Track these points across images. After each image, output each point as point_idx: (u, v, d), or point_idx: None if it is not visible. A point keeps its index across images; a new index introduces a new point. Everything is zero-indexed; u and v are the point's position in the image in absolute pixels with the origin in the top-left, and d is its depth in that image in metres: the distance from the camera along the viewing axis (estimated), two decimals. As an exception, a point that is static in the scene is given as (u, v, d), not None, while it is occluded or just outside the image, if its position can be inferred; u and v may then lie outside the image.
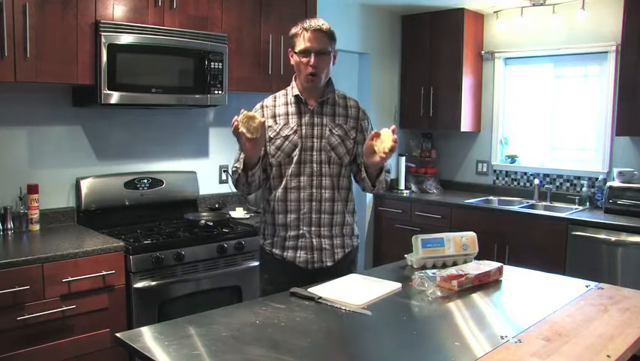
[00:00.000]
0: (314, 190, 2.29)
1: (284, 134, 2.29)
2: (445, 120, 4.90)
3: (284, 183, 2.30)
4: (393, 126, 2.13)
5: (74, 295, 2.54)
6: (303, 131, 2.29)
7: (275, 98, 2.39)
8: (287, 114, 2.32)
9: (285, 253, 2.33)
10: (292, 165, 2.29)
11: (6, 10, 2.51)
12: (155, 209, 3.39)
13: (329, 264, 2.33)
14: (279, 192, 2.31)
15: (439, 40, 4.88)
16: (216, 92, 3.22)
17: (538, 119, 4.77)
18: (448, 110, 4.86)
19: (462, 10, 4.69)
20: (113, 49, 2.81)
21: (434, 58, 4.93)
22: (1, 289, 2.33)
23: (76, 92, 3.07)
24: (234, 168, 2.31)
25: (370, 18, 4.83)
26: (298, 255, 2.31)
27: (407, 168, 5.09)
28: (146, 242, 2.83)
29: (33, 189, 2.92)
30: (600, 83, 4.37)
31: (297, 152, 2.28)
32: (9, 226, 2.86)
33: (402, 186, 5.04)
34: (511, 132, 4.95)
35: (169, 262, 2.83)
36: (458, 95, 4.79)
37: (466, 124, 4.86)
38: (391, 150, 2.09)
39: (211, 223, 3.18)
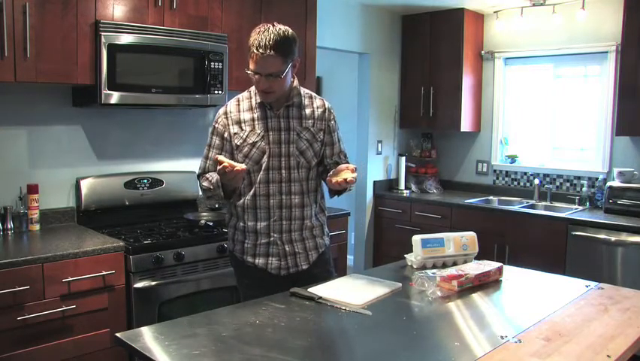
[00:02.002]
0: (283, 197, 2.23)
1: (251, 141, 2.21)
2: (445, 120, 4.90)
3: (253, 190, 2.23)
4: (354, 174, 2.10)
5: (74, 295, 2.54)
6: (271, 137, 2.21)
7: (238, 102, 2.29)
8: (252, 120, 2.23)
9: (256, 260, 2.27)
10: (261, 172, 2.22)
11: (6, 10, 2.50)
12: (155, 209, 3.39)
13: (304, 267, 2.30)
14: (248, 199, 2.24)
15: (439, 40, 4.88)
16: (216, 92, 3.22)
17: (538, 119, 4.78)
18: (448, 110, 4.86)
19: (462, 10, 4.69)
20: (113, 49, 2.81)
21: (434, 58, 4.93)
22: (1, 289, 2.33)
23: (76, 92, 3.07)
24: (206, 187, 2.25)
25: (370, 18, 4.83)
26: (270, 261, 2.26)
27: (407, 168, 5.10)
28: (146, 242, 2.83)
29: (33, 189, 2.92)
30: (600, 83, 4.37)
31: (265, 159, 2.21)
32: (9, 226, 2.86)
33: (402, 186, 5.04)
34: (511, 132, 4.95)
35: (169, 262, 2.83)
36: (458, 95, 4.79)
37: (466, 124, 4.86)
38: (344, 181, 2.07)
39: (211, 223, 3.18)
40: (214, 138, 2.29)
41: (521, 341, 1.65)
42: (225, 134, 2.26)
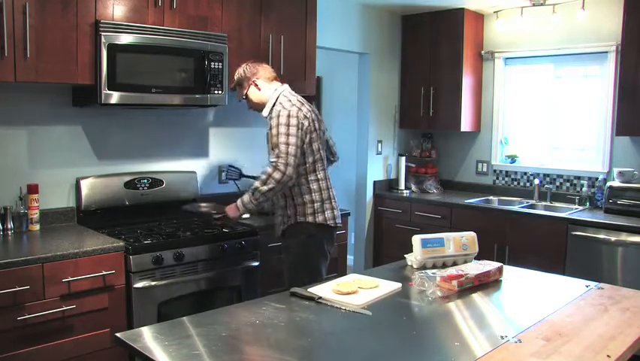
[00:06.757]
0: None
1: None
2: (445, 120, 4.90)
3: None
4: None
5: (74, 295, 2.54)
6: None
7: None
8: None
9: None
10: None
11: (6, 10, 2.51)
12: (155, 209, 3.39)
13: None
14: None
15: (439, 40, 4.88)
16: (216, 92, 3.22)
17: (538, 119, 4.77)
18: (448, 110, 4.86)
19: (462, 10, 4.69)
20: (113, 49, 2.81)
21: (434, 58, 4.93)
22: (1, 289, 2.33)
23: (76, 92, 3.07)
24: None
25: (370, 18, 4.83)
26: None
27: (407, 168, 5.09)
28: (146, 242, 2.83)
29: (33, 189, 2.92)
30: (600, 83, 4.37)
31: None
32: (9, 226, 2.86)
33: (402, 186, 5.04)
34: (511, 132, 4.95)
35: (169, 262, 2.83)
36: (458, 95, 4.79)
37: (466, 124, 4.86)
38: None
39: (214, 211, 3.07)
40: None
41: (521, 341, 1.65)
42: None
